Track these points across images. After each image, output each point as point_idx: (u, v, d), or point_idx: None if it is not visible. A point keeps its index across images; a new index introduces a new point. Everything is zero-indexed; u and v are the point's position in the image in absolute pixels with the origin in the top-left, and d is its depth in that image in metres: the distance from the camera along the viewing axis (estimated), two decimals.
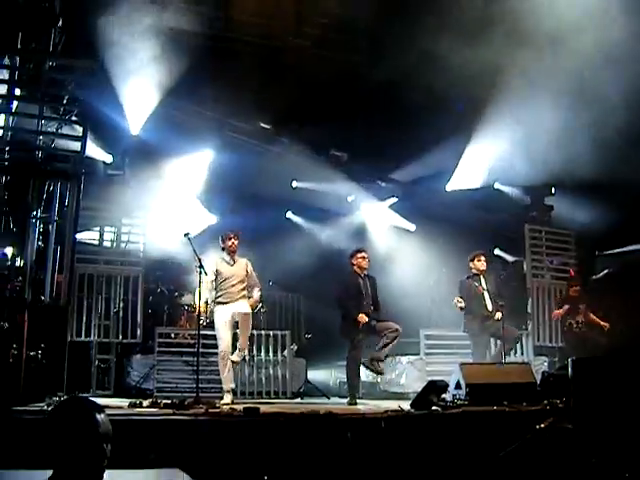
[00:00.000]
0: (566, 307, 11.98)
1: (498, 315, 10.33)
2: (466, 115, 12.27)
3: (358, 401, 9.82)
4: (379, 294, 10.25)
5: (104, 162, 11.94)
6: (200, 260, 9.15)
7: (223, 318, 9.39)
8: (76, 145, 8.85)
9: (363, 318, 9.71)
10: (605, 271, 12.66)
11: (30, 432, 5.62)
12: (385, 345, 9.84)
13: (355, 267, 10.21)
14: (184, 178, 13.18)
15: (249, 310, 9.55)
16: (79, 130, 9.01)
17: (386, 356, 10.08)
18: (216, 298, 9.55)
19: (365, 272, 10.21)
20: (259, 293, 9.85)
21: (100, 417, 3.05)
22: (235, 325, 9.52)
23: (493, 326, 10.36)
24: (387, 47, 11.24)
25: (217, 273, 9.56)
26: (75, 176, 8.70)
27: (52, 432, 2.98)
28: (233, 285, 9.54)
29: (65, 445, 2.94)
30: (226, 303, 9.47)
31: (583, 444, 6.30)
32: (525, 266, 13.32)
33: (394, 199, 15.37)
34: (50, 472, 2.94)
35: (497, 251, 14.79)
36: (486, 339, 10.61)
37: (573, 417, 6.87)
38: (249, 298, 9.66)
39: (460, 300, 10.31)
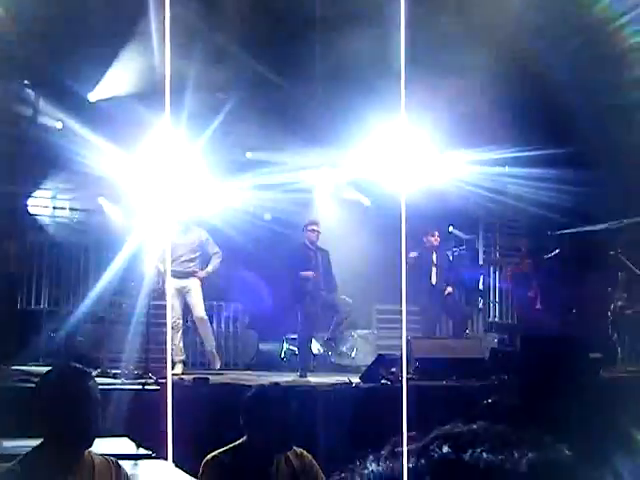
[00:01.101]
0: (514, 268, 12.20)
1: (449, 289, 10.52)
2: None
3: (309, 374, 9.87)
4: (331, 269, 10.30)
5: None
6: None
7: (172, 289, 9.35)
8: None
9: (308, 273, 9.78)
10: (557, 250, 12.79)
11: None
12: (338, 324, 9.94)
13: (305, 240, 10.24)
14: None
15: (196, 285, 9.51)
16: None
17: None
18: (166, 267, 9.45)
19: (315, 245, 10.22)
20: (217, 261, 9.76)
21: (92, 383, 2.97)
22: (185, 297, 9.47)
23: (442, 301, 10.53)
24: None
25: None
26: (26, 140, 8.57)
27: (43, 400, 2.85)
28: (182, 255, 9.46)
29: (59, 412, 2.83)
30: (177, 275, 9.40)
31: (529, 420, 6.39)
32: (478, 244, 13.47)
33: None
34: (34, 442, 2.84)
35: (451, 229, 14.90)
36: (434, 312, 10.74)
37: (519, 393, 6.97)
38: (201, 269, 9.62)
39: (414, 254, 10.42)
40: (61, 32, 9.20)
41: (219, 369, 10.09)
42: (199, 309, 9.53)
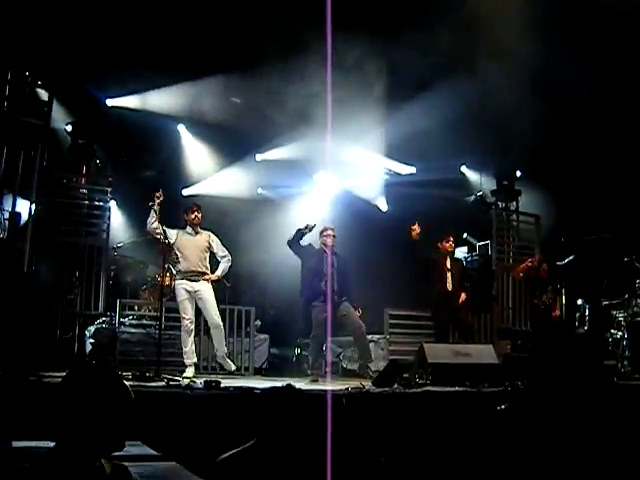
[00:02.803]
0: (529, 262, 12.11)
1: (463, 296, 10.52)
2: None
3: (320, 379, 9.84)
4: (349, 276, 10.28)
5: (66, 130, 11.76)
6: (165, 231, 9.08)
7: (183, 291, 9.36)
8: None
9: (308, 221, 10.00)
10: (570, 257, 12.74)
11: None
12: (364, 348, 10.07)
13: (322, 245, 10.23)
14: None
15: (208, 288, 9.49)
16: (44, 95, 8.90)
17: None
18: (177, 270, 9.52)
19: (331, 249, 10.17)
20: (226, 265, 9.75)
21: (123, 384, 2.87)
22: (197, 301, 9.47)
23: (454, 307, 10.51)
24: None
25: (178, 244, 9.46)
26: (40, 141, 8.59)
27: (73, 399, 2.71)
28: (193, 255, 9.47)
29: (93, 411, 2.70)
30: (188, 277, 9.41)
31: (542, 425, 6.34)
32: (491, 250, 13.44)
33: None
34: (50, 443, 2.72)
35: (465, 235, 14.90)
36: (446, 317, 10.71)
37: (533, 399, 6.91)
38: (212, 272, 9.64)
39: (416, 230, 10.46)
40: None
41: (232, 373, 10.11)
42: (214, 315, 9.51)
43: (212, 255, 9.74)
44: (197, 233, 9.61)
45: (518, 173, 14.04)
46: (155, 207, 9.12)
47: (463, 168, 15.23)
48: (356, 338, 10.16)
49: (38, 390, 6.01)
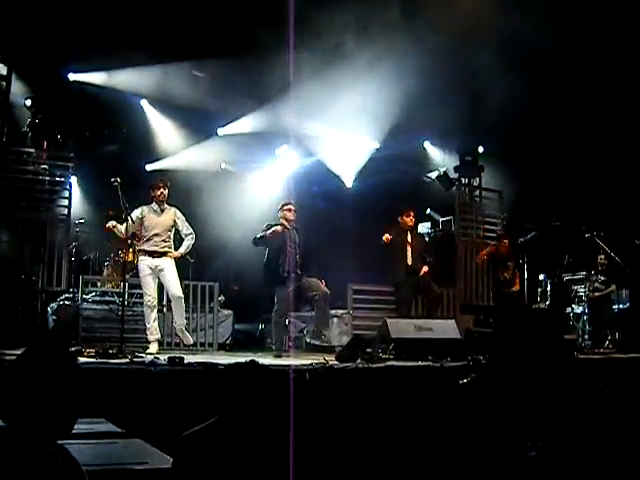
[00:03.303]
0: (491, 246, 12.26)
1: (424, 268, 10.59)
2: None
3: (284, 354, 9.88)
4: (304, 248, 10.28)
5: (25, 105, 11.59)
6: (126, 208, 9.01)
7: (146, 267, 9.39)
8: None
9: (276, 228, 9.87)
10: (532, 233, 12.87)
11: None
12: (324, 315, 10.05)
13: (282, 219, 10.19)
14: None
15: (170, 264, 9.52)
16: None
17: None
18: (142, 246, 9.49)
19: (291, 224, 10.17)
20: (190, 242, 9.77)
21: (74, 363, 2.80)
22: (159, 276, 9.48)
23: (416, 281, 10.58)
24: None
25: (143, 221, 9.48)
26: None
27: (25, 380, 2.65)
28: (158, 234, 9.50)
29: (43, 393, 2.64)
30: (151, 253, 9.44)
31: (503, 399, 6.43)
32: (454, 225, 13.53)
33: None
34: None
35: (428, 211, 14.97)
36: (410, 293, 10.78)
37: (495, 373, 7.00)
38: (175, 250, 9.66)
39: (388, 237, 10.48)
40: None
41: (196, 349, 10.10)
42: (176, 287, 9.54)
43: (176, 231, 9.72)
44: (163, 211, 9.59)
45: (481, 149, 14.11)
46: (114, 228, 9.28)
47: (426, 144, 15.26)
48: (318, 305, 10.03)
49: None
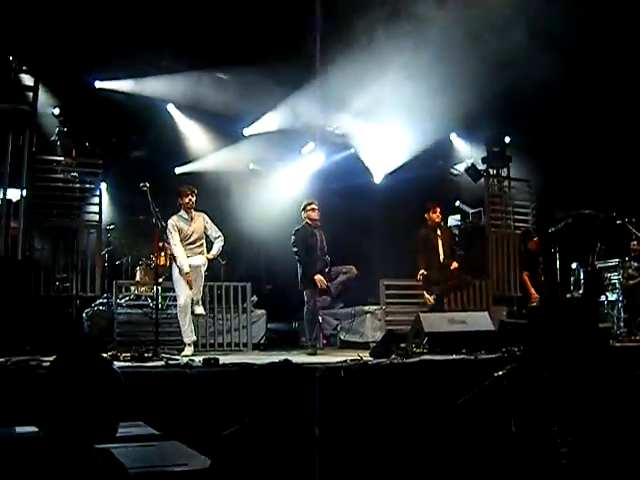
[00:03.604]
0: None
1: (455, 264, 10.53)
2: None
3: (319, 352, 9.91)
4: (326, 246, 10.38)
5: (53, 114, 11.71)
6: (157, 213, 9.07)
7: (189, 267, 9.43)
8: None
9: (321, 282, 9.91)
10: (563, 222, 12.79)
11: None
12: (347, 280, 10.19)
13: (307, 220, 10.28)
14: None
15: (201, 262, 9.61)
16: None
17: (338, 295, 10.32)
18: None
19: (317, 224, 10.29)
20: (220, 244, 9.82)
21: (111, 369, 2.78)
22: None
23: (448, 276, 10.54)
24: None
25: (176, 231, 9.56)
26: (28, 127, 8.56)
27: (59, 387, 2.63)
28: (192, 242, 9.61)
29: (78, 399, 2.63)
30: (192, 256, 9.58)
31: (540, 390, 6.40)
32: (484, 217, 13.46)
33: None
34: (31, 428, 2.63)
35: (457, 203, 14.91)
36: (442, 289, 10.73)
37: (530, 364, 6.97)
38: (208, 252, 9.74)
39: (430, 293, 10.54)
40: None
41: (230, 349, 10.15)
42: (198, 294, 9.72)
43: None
44: (192, 218, 9.67)
45: (507, 139, 14.02)
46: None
47: (452, 136, 15.19)
48: (345, 274, 10.23)
49: (36, 375, 6.03)
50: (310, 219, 10.24)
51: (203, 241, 9.76)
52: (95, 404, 2.63)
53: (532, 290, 11.41)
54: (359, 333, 11.77)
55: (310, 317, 10.15)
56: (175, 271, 9.50)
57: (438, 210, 10.93)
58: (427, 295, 10.48)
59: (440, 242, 10.70)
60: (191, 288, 9.40)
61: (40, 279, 10.45)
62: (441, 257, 10.68)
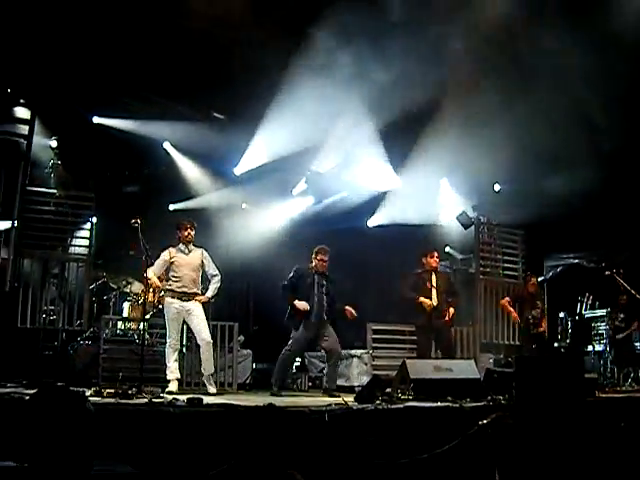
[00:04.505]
0: (514, 289, 12.21)
1: (451, 311, 10.56)
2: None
3: (283, 393, 9.86)
4: (336, 297, 10.35)
5: (50, 146, 11.76)
6: (147, 249, 9.05)
7: (174, 310, 9.40)
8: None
9: (301, 305, 9.92)
10: (552, 272, 12.84)
11: None
12: (334, 372, 10.23)
13: (315, 266, 10.31)
14: None
15: (198, 307, 9.54)
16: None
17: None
18: (171, 286, 9.51)
19: (319, 270, 10.28)
20: (216, 285, 9.78)
21: (89, 405, 2.80)
22: (187, 318, 9.52)
23: (439, 324, 10.54)
24: None
25: (171, 262, 9.52)
26: (22, 159, 8.60)
27: (35, 420, 2.64)
28: (186, 274, 9.52)
29: (56, 433, 2.63)
30: (180, 296, 9.46)
31: (524, 440, 6.39)
32: (473, 264, 13.49)
33: None
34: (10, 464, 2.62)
35: (447, 249, 14.96)
36: (431, 335, 10.73)
37: (515, 413, 6.95)
38: (202, 292, 9.71)
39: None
40: None
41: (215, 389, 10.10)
42: (205, 332, 9.55)
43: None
44: (190, 251, 9.64)
45: (497, 187, 14.13)
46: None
47: (442, 181, 15.26)
48: (330, 364, 10.25)
49: (17, 408, 5.98)
50: (317, 269, 10.28)
51: (198, 277, 9.66)
52: (67, 440, 2.63)
53: (511, 309, 11.61)
54: (345, 376, 11.74)
55: (286, 357, 10.17)
56: (167, 308, 9.45)
57: (435, 255, 10.99)
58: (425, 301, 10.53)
59: (434, 288, 10.72)
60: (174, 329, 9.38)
61: (27, 311, 10.41)
62: (434, 302, 10.68)
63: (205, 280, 9.90)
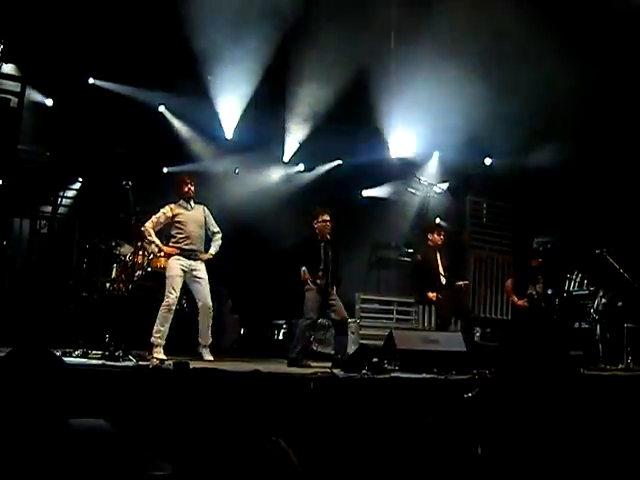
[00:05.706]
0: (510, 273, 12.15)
1: (464, 283, 10.63)
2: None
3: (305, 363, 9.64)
4: (339, 262, 10.01)
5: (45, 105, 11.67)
6: (137, 212, 8.94)
7: (179, 267, 9.13)
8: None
9: (305, 274, 9.60)
10: (541, 249, 12.81)
11: None
12: (340, 343, 9.97)
13: (318, 230, 9.90)
14: None
15: (204, 268, 9.30)
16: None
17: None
18: (177, 244, 9.24)
19: (327, 237, 9.89)
20: (219, 242, 9.54)
21: (57, 366, 2.78)
22: (191, 280, 9.28)
23: (454, 295, 10.48)
24: None
25: (175, 220, 9.26)
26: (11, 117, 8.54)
27: (10, 379, 2.64)
28: (193, 231, 9.29)
29: (29, 392, 2.63)
30: (188, 254, 9.21)
31: (508, 415, 6.42)
32: (463, 236, 13.51)
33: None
34: None
35: (437, 220, 14.95)
36: (450, 309, 10.58)
37: (499, 388, 6.98)
38: (206, 251, 9.47)
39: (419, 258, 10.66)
40: None
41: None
42: (208, 296, 9.28)
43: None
44: (192, 208, 9.40)
45: (488, 161, 14.09)
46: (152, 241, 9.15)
47: (435, 155, 15.19)
48: (338, 331, 10.02)
49: None
50: (319, 229, 9.88)
51: (202, 237, 9.38)
52: (41, 399, 2.63)
53: (514, 297, 11.43)
54: (332, 345, 11.75)
55: (304, 327, 9.76)
56: (172, 266, 9.15)
57: (442, 232, 10.88)
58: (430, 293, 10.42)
59: (441, 265, 10.64)
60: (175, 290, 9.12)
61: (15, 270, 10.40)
62: (442, 279, 10.57)
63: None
